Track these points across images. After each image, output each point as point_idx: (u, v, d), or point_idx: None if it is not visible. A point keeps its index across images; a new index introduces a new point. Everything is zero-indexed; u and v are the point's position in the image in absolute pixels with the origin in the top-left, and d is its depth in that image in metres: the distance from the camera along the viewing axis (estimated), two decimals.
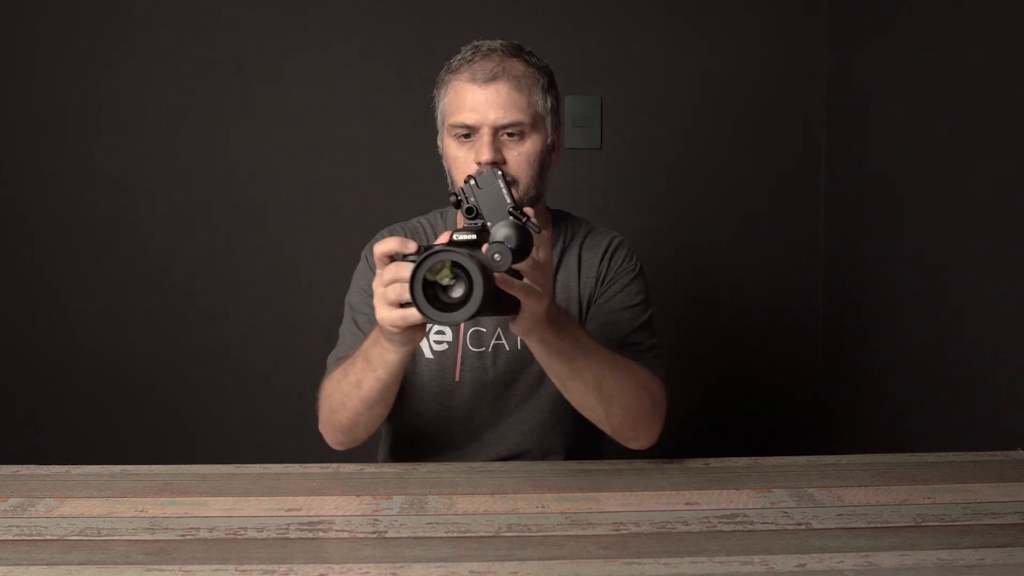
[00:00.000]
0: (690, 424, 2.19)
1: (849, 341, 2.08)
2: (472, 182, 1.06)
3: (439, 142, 1.35)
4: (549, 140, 1.31)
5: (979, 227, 1.57)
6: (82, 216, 2.09)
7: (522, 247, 0.97)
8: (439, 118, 1.33)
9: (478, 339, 1.33)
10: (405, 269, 0.99)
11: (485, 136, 1.25)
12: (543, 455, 1.35)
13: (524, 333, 1.08)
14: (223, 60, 2.08)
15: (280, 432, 2.09)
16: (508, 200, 1.04)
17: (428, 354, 1.34)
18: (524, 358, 1.32)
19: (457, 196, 1.07)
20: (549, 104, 1.31)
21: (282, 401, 2.11)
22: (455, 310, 0.94)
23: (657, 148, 2.14)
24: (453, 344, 1.34)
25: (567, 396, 1.21)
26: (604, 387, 1.17)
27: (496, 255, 0.94)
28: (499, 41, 1.30)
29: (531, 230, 0.99)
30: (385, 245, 1.03)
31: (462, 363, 1.33)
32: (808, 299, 2.19)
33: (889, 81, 1.87)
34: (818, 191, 2.17)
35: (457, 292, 0.94)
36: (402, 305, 1.01)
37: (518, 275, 1.00)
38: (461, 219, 1.08)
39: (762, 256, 2.18)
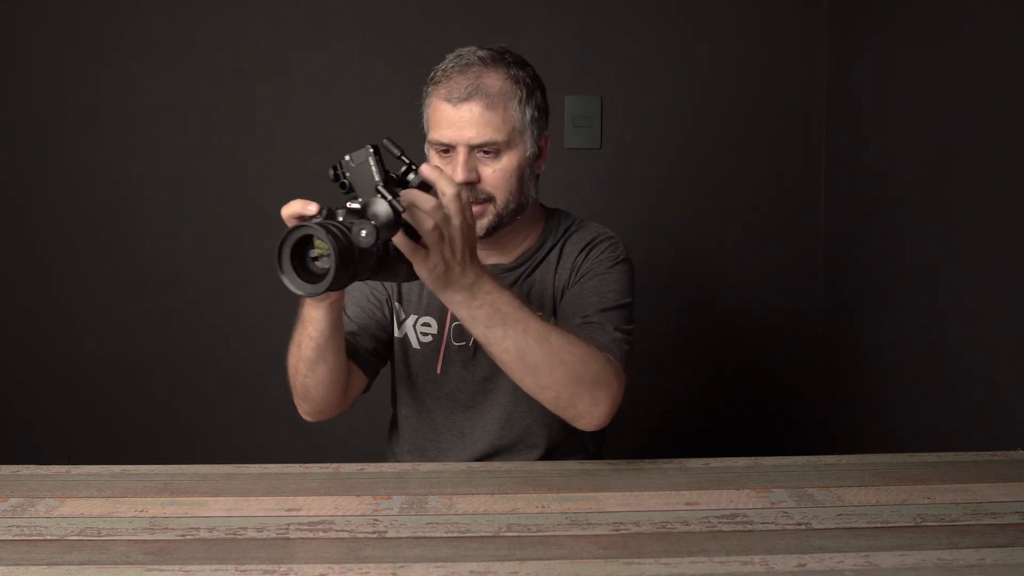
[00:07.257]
0: (690, 424, 2.19)
1: (849, 341, 2.08)
2: (347, 159, 1.06)
3: (425, 147, 1.33)
4: (530, 152, 1.29)
5: (979, 226, 1.57)
6: (81, 216, 2.09)
7: (389, 223, 0.99)
8: (424, 126, 1.33)
9: (460, 333, 1.33)
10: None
11: (460, 155, 1.24)
12: (525, 449, 1.34)
13: (434, 291, 1.09)
14: (223, 60, 2.08)
15: (280, 432, 2.09)
16: (377, 177, 1.03)
17: (416, 345, 1.36)
18: None
19: (334, 171, 1.07)
20: (529, 116, 1.27)
21: (282, 401, 2.08)
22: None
23: (657, 148, 2.14)
24: (437, 337, 1.35)
25: (500, 367, 1.16)
26: (528, 358, 1.11)
27: (362, 231, 0.96)
28: (481, 50, 1.27)
29: (395, 207, 1.00)
30: (290, 208, 1.06)
31: (444, 356, 1.34)
32: (808, 299, 2.19)
33: (889, 81, 1.87)
34: (818, 191, 2.17)
35: (326, 263, 0.97)
36: None
37: (417, 236, 1.03)
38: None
39: (762, 256, 2.18)
